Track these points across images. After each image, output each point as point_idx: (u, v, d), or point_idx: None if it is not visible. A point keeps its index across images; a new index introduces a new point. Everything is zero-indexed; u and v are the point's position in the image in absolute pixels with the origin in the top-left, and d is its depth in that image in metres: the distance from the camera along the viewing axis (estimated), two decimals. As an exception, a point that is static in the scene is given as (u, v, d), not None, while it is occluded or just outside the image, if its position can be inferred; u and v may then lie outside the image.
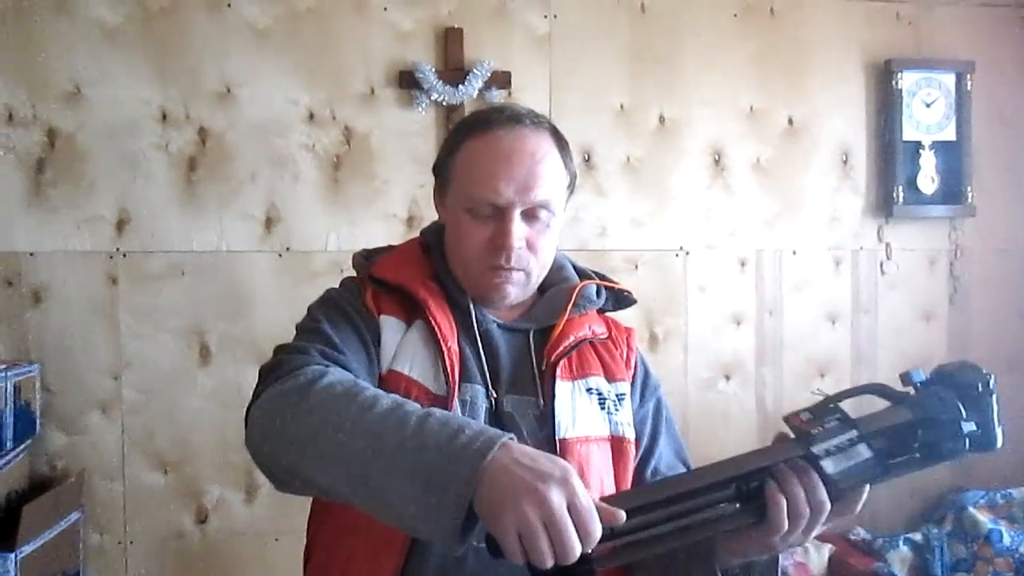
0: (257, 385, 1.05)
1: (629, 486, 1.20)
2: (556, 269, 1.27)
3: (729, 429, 2.89)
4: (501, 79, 2.72)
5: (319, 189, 2.69)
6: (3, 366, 2.45)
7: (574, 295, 1.24)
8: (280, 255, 2.67)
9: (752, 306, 2.93)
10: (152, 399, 2.65)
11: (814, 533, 0.97)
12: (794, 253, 2.95)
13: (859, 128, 2.98)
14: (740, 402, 2.93)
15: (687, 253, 2.88)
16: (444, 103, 2.67)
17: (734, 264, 2.92)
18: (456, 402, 1.12)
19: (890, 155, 2.94)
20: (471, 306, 1.20)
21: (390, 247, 1.30)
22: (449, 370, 1.12)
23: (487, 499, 0.81)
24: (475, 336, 1.18)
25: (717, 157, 2.89)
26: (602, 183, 2.84)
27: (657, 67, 2.86)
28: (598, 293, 1.29)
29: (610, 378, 1.23)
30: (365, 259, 1.26)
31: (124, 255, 2.63)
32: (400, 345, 1.15)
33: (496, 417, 1.15)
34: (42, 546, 2.32)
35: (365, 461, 0.88)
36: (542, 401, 1.16)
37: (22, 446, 2.46)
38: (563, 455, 1.11)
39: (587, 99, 2.82)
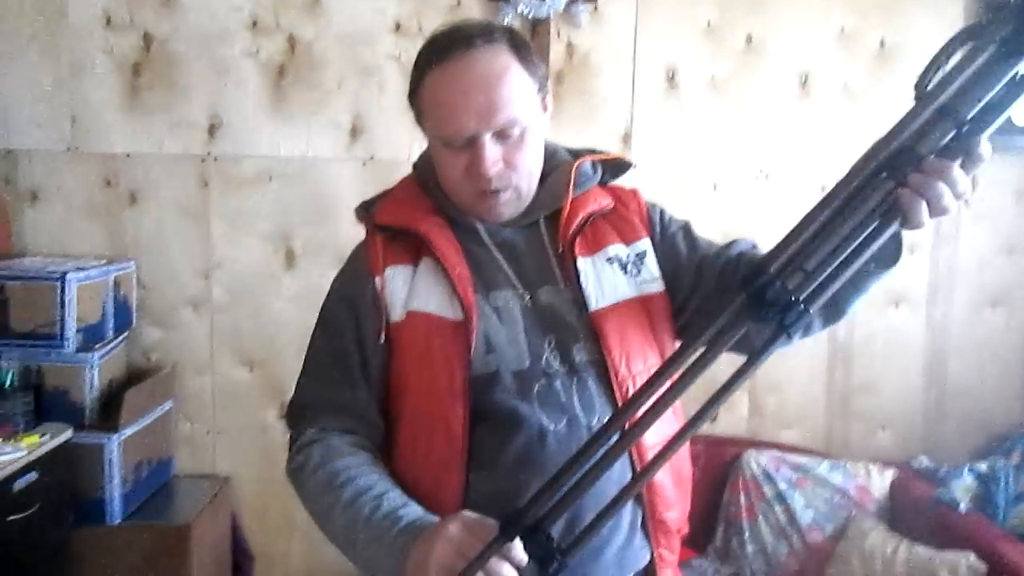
0: (288, 428, 1.29)
1: (668, 336, 1.26)
2: (548, 157, 1.28)
3: (793, 355, 2.90)
4: (588, -8, 2.69)
5: (404, 100, 2.70)
6: (103, 261, 2.58)
7: (572, 175, 1.26)
8: (364, 163, 2.73)
9: (829, 232, 2.90)
10: (239, 299, 2.77)
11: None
12: (877, 180, 2.89)
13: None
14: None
15: (767, 177, 2.85)
16: (530, 16, 2.66)
17: (815, 189, 2.88)
18: (483, 315, 1.18)
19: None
20: (477, 224, 1.24)
21: (386, 192, 1.33)
22: (461, 295, 1.17)
23: None
24: (489, 248, 1.23)
25: (804, 79, 2.84)
26: (684, 102, 2.81)
27: (747, -16, 2.79)
28: (595, 169, 1.31)
29: (627, 241, 1.27)
30: (365, 210, 1.30)
31: (215, 159, 2.72)
32: (412, 287, 1.21)
33: (536, 312, 1.20)
34: (140, 431, 2.48)
35: (339, 541, 1.13)
36: (566, 284, 1.22)
37: (121, 338, 2.61)
38: (601, 326, 1.19)
39: (674, 15, 2.77)
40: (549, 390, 1.16)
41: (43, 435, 2.23)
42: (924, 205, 0.87)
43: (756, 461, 2.74)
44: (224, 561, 2.71)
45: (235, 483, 2.80)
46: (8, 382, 2.27)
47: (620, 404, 1.17)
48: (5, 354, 2.31)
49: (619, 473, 1.15)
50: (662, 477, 1.20)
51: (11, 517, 2.06)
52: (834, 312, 1.12)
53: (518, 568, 0.93)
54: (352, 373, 1.23)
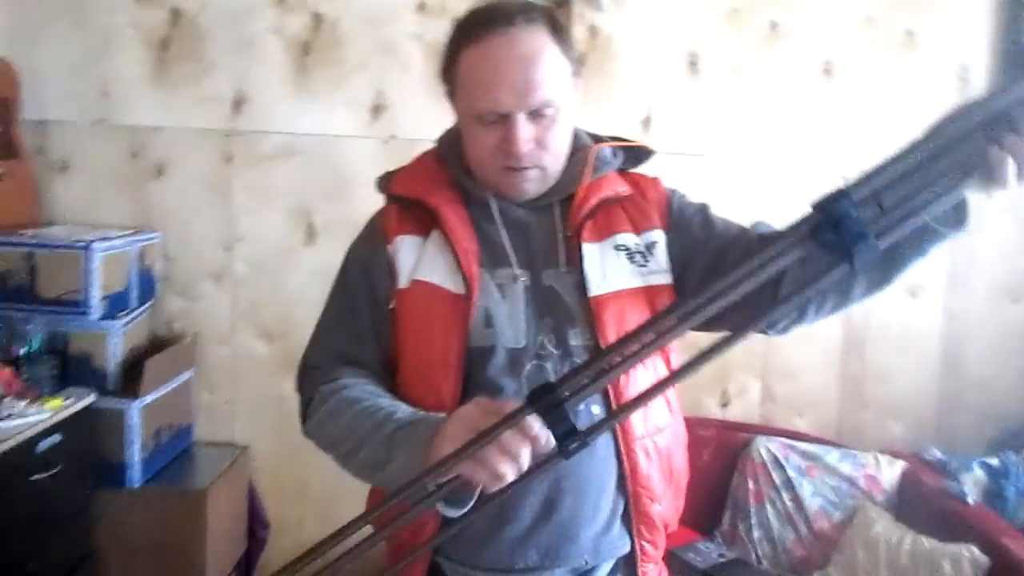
0: (299, 393, 1.30)
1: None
2: (572, 141, 1.29)
3: (807, 342, 2.90)
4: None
5: (426, 79, 2.74)
6: (130, 232, 2.64)
7: (590, 159, 1.27)
8: (385, 142, 2.76)
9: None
10: (260, 272, 2.82)
11: None
12: (898, 170, 2.87)
13: (981, 43, 2.84)
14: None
15: (787, 163, 2.84)
16: (552, -2, 2.67)
17: (835, 176, 2.86)
18: (486, 290, 1.20)
19: (1010, 69, 2.81)
20: (491, 200, 1.26)
21: (407, 164, 1.35)
22: (465, 268, 1.19)
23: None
24: (498, 226, 1.25)
25: (828, 67, 2.82)
26: (706, 87, 2.81)
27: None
28: (615, 154, 1.32)
29: (639, 230, 1.28)
30: (386, 179, 1.33)
31: (239, 134, 2.76)
32: (420, 256, 1.23)
33: (538, 293, 1.22)
34: (160, 398, 2.55)
35: (362, 469, 1.16)
36: (570, 267, 1.23)
37: (144, 307, 2.68)
38: (598, 312, 1.20)
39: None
40: (539, 371, 1.18)
41: (67, 399, 2.29)
42: (1012, 165, 0.89)
43: (766, 447, 2.76)
44: (240, 527, 2.78)
45: (252, 452, 2.86)
46: (34, 347, 2.34)
47: (611, 393, 1.18)
48: (32, 320, 2.37)
49: (603, 457, 1.18)
50: (650, 469, 1.21)
51: (34, 477, 2.13)
52: (887, 271, 1.11)
53: (535, 446, 0.93)
54: (363, 331, 1.26)
